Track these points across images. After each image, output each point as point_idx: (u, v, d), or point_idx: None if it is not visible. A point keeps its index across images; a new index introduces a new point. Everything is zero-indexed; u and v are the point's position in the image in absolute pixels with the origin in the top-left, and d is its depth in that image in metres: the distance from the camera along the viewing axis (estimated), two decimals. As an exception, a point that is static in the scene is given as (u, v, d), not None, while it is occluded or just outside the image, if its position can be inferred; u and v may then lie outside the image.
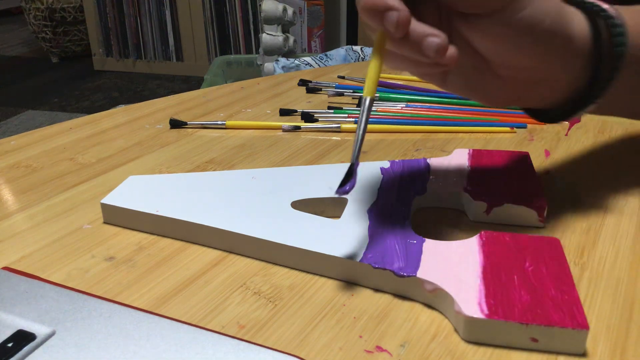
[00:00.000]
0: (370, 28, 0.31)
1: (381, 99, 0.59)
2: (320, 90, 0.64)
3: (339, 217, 0.35)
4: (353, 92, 0.61)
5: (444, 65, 0.30)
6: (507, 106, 0.35)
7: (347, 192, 0.30)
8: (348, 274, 0.31)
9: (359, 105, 0.58)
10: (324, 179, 0.40)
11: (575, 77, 0.34)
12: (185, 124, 0.54)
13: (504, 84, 0.34)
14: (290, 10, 1.87)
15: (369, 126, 0.52)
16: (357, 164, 0.30)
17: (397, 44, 0.30)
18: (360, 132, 0.30)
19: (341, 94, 0.61)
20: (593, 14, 0.34)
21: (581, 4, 0.35)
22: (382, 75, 0.68)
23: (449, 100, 0.58)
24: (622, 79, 0.34)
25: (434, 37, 0.29)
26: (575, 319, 0.26)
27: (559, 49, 0.33)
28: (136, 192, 0.38)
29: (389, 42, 0.30)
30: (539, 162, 0.45)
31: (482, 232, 0.33)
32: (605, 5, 0.34)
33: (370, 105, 0.30)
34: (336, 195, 0.30)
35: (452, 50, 0.29)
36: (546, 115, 0.38)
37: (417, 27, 0.29)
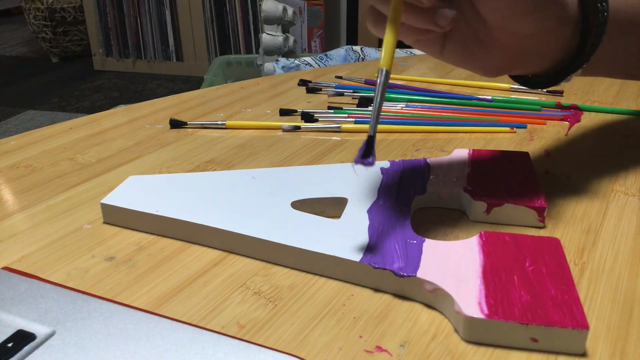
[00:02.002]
0: (379, 3, 0.32)
1: (381, 99, 0.59)
2: (320, 90, 0.64)
3: (339, 217, 0.35)
4: (353, 92, 0.61)
5: (440, 29, 0.31)
6: (499, 75, 0.37)
7: (371, 164, 0.30)
8: (348, 274, 0.31)
9: (359, 105, 0.58)
10: (324, 179, 0.40)
11: (565, 43, 0.36)
12: (185, 124, 0.54)
13: (500, 52, 0.35)
14: (290, 10, 1.87)
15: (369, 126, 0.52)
16: (375, 137, 0.30)
17: (413, 14, 0.31)
18: (377, 104, 0.30)
19: (341, 94, 0.61)
20: None
21: None
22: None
23: (449, 100, 0.58)
24: (605, 43, 0.36)
25: (447, 8, 0.31)
26: (575, 319, 0.26)
27: (554, 15, 0.34)
28: (136, 192, 0.38)
29: (405, 14, 0.31)
30: (539, 162, 0.45)
31: (482, 232, 0.33)
32: None
33: (387, 77, 0.31)
34: (356, 166, 0.30)
35: (450, 12, 0.31)
36: (534, 81, 0.39)
37: None
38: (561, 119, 0.54)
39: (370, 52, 1.55)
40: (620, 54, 0.40)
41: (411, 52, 1.36)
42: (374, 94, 0.30)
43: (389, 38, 0.31)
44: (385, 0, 0.32)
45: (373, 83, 0.66)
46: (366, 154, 0.30)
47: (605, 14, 0.35)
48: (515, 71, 0.38)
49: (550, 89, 0.62)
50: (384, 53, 0.31)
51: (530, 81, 0.40)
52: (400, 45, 0.34)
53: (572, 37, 0.36)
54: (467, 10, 0.34)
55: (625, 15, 0.38)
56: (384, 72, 0.31)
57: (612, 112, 0.56)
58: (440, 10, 0.31)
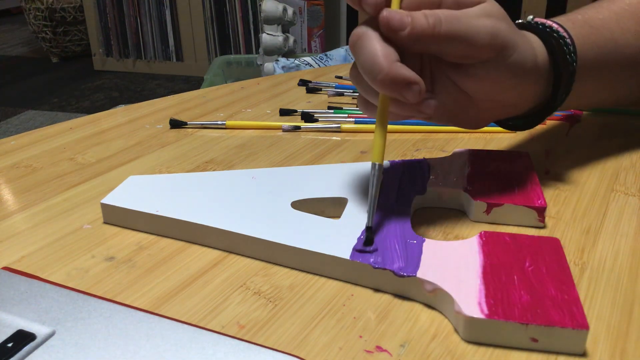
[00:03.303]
0: (366, 89, 0.34)
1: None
2: (320, 90, 0.64)
3: (339, 217, 0.35)
4: (353, 92, 0.61)
5: (426, 115, 0.34)
6: (483, 127, 0.39)
7: (374, 251, 0.32)
8: (348, 274, 0.31)
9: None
10: (324, 179, 0.40)
11: (539, 94, 0.39)
12: (185, 124, 0.54)
13: (482, 112, 0.37)
14: (290, 10, 1.87)
15: (370, 126, 0.52)
16: (373, 227, 0.33)
17: (399, 106, 0.33)
18: (372, 197, 0.32)
19: (341, 94, 0.61)
20: (547, 36, 0.38)
21: (534, 28, 0.39)
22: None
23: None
24: (576, 86, 0.39)
25: (432, 99, 0.33)
26: (575, 319, 0.26)
27: (532, 79, 0.37)
28: (136, 192, 0.38)
29: (391, 105, 0.33)
30: (539, 162, 0.45)
31: (482, 232, 0.33)
32: (555, 26, 0.39)
33: (380, 170, 0.33)
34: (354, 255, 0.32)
35: (434, 102, 0.34)
36: (511, 124, 0.42)
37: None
38: (561, 119, 0.54)
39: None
40: (591, 94, 0.43)
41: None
42: (369, 187, 0.33)
43: (378, 134, 0.33)
44: (374, 94, 0.33)
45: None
46: (367, 243, 0.32)
47: (574, 63, 0.38)
48: (495, 120, 0.40)
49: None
50: (375, 149, 0.33)
51: (508, 125, 0.42)
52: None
53: (546, 86, 0.38)
54: (450, 85, 0.35)
55: (594, 58, 0.41)
56: (376, 167, 0.33)
57: (612, 112, 0.56)
58: (425, 102, 0.33)
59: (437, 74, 0.35)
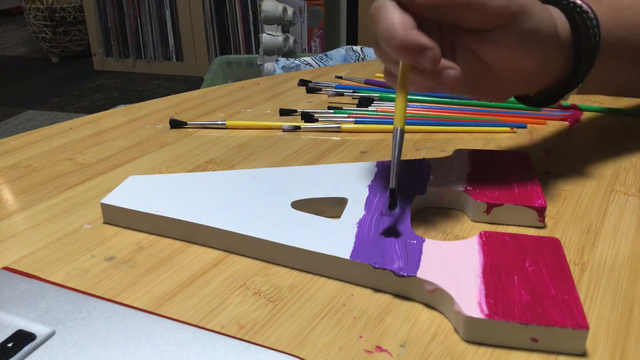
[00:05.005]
0: (387, 60, 0.35)
1: (381, 99, 0.59)
2: (320, 90, 0.64)
3: (339, 217, 0.35)
4: (353, 92, 0.61)
5: (447, 86, 0.34)
6: (505, 100, 0.40)
7: (398, 214, 0.35)
8: (348, 274, 0.31)
9: (359, 105, 0.58)
10: (324, 179, 0.40)
11: (560, 68, 0.39)
12: (185, 124, 0.54)
13: (503, 82, 0.38)
14: (290, 10, 1.87)
15: (370, 126, 0.52)
16: (396, 189, 0.34)
17: (420, 75, 0.34)
18: (395, 160, 0.33)
19: (341, 94, 0.61)
20: (570, 11, 0.39)
21: (559, 3, 0.39)
22: (382, 75, 0.68)
23: (449, 100, 0.58)
24: (599, 64, 0.39)
25: (452, 69, 0.33)
26: (575, 319, 0.26)
27: (551, 49, 0.37)
28: (136, 192, 0.38)
29: (412, 74, 0.34)
30: (539, 162, 0.45)
31: (482, 232, 0.33)
32: (579, 2, 0.39)
33: (402, 135, 0.34)
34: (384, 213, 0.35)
35: (454, 73, 0.34)
36: (534, 100, 0.42)
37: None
38: (561, 119, 0.54)
39: (370, 52, 1.55)
40: (614, 75, 0.43)
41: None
42: (392, 150, 0.34)
43: (399, 99, 0.34)
44: (395, 63, 0.35)
45: (373, 83, 0.66)
46: (392, 206, 0.34)
47: (597, 38, 0.38)
48: (519, 93, 0.41)
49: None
50: (397, 114, 0.34)
51: (530, 100, 0.43)
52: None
53: (567, 61, 0.39)
54: (467, 53, 0.36)
55: (617, 39, 0.40)
56: (398, 131, 0.34)
57: (612, 112, 0.56)
58: (444, 72, 0.33)
59: (457, 44, 0.36)
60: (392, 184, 0.33)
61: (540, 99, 0.42)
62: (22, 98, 2.62)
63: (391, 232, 0.33)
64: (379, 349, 0.27)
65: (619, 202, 0.39)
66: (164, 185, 0.39)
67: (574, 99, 0.59)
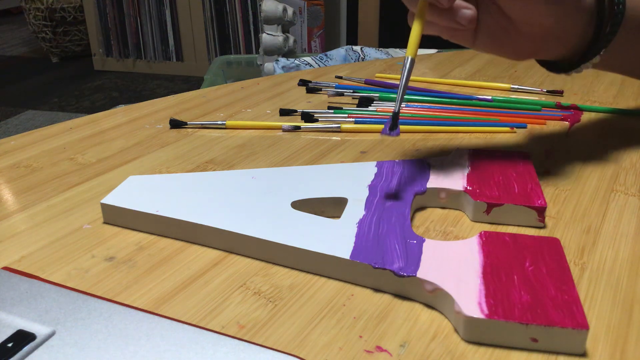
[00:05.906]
0: (409, 3, 0.38)
1: (381, 99, 0.59)
2: (320, 90, 0.64)
3: (339, 217, 0.35)
4: (353, 92, 0.61)
5: (463, 27, 0.37)
6: (527, 59, 0.42)
7: (397, 135, 0.37)
8: (348, 274, 0.31)
9: (359, 105, 0.58)
10: (324, 179, 0.40)
11: (582, 32, 0.40)
12: (185, 124, 0.54)
13: (525, 40, 0.39)
14: (290, 10, 1.87)
15: (370, 126, 0.52)
16: (399, 113, 0.36)
17: (436, 13, 0.36)
18: (402, 85, 0.36)
19: (341, 94, 0.61)
20: None
21: None
22: (382, 75, 0.68)
23: (449, 100, 0.58)
24: (622, 35, 0.40)
25: (468, 9, 0.36)
26: (575, 319, 0.26)
27: (571, 7, 0.38)
28: (136, 192, 0.38)
29: (428, 11, 0.36)
30: (539, 162, 0.45)
31: (482, 232, 0.33)
32: None
33: (412, 63, 0.37)
34: (382, 135, 0.38)
35: (470, 13, 0.36)
36: (558, 66, 0.43)
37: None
38: (561, 119, 0.54)
39: (370, 52, 1.55)
40: (634, 51, 0.43)
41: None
42: (400, 77, 0.37)
43: (414, 30, 0.37)
44: (413, 2, 0.37)
45: (373, 83, 0.66)
46: (393, 127, 0.36)
47: (621, 6, 0.39)
48: (541, 56, 0.42)
49: (550, 89, 0.62)
50: (410, 44, 0.37)
51: (554, 66, 0.44)
52: (403, 45, 0.37)
53: (589, 24, 0.39)
54: (491, 6, 0.38)
55: None
56: (409, 59, 0.36)
57: (612, 112, 0.56)
58: (460, 11, 0.35)
59: None
60: (396, 108, 0.36)
61: (561, 65, 0.43)
62: (22, 98, 2.62)
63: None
64: (379, 349, 0.27)
65: (619, 202, 0.39)
66: (164, 185, 0.39)
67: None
